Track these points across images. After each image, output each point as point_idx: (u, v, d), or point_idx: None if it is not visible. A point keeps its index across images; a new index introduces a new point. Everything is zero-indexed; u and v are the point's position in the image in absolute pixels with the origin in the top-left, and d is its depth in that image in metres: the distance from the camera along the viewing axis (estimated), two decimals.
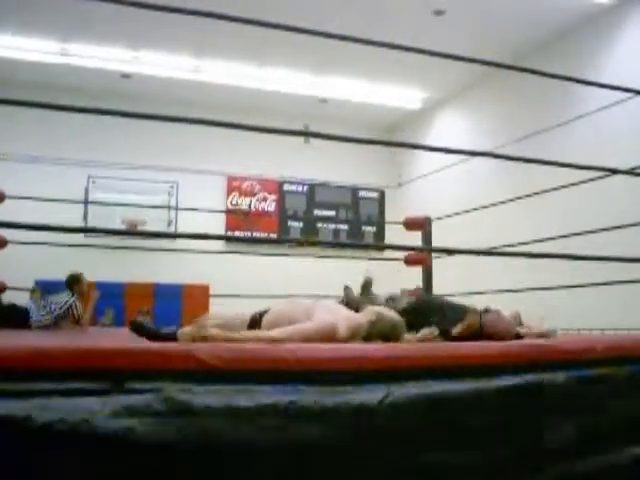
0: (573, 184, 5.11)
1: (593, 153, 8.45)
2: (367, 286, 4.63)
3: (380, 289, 7.31)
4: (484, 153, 9.76)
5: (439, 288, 6.41)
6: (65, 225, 2.81)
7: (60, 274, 10.35)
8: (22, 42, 10.58)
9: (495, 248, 6.03)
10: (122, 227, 11.39)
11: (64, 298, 5.91)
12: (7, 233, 5.65)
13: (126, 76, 11.87)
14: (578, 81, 4.67)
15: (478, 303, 4.32)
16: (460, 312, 4.17)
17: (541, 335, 4.42)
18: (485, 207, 6.32)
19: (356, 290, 4.24)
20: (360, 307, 3.36)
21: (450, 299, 4.70)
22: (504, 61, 9.36)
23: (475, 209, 6.52)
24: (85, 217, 11.82)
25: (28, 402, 1.73)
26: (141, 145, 12.56)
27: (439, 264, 6.57)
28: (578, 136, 9.50)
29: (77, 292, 6.06)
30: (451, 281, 7.13)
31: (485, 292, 6.52)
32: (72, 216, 10.84)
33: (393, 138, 14.54)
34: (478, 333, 3.88)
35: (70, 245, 6.58)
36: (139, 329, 3.10)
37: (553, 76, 3.91)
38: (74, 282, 6.10)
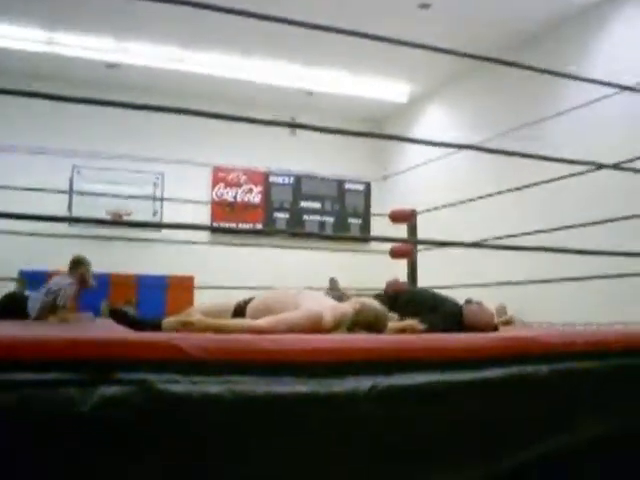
0: (562, 177, 5.14)
1: (580, 145, 8.48)
2: (334, 284, 4.68)
3: (367, 282, 7.34)
4: (469, 146, 9.76)
5: (425, 281, 6.43)
6: (47, 215, 2.79)
7: (44, 265, 10.32)
8: (7, 30, 10.49)
9: (485, 240, 6.05)
10: (107, 218, 11.34)
11: (62, 281, 5.63)
12: None
13: (112, 66, 11.80)
14: (563, 75, 4.68)
15: (464, 295, 4.35)
16: (442, 304, 4.21)
17: (505, 322, 4.45)
18: (472, 200, 6.34)
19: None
20: (344, 298, 3.37)
21: (434, 291, 4.73)
22: (491, 54, 9.39)
23: (462, 202, 6.54)
24: (70, 207, 11.75)
25: (10, 393, 1.72)
26: (127, 135, 12.50)
27: (425, 257, 6.59)
28: (565, 129, 9.55)
29: (77, 277, 5.71)
30: (437, 274, 7.16)
31: (471, 285, 6.55)
32: (56, 207, 10.77)
33: (380, 130, 14.55)
34: (457, 323, 3.92)
35: (54, 235, 6.54)
36: (121, 317, 3.09)
37: (538, 70, 3.92)
38: (74, 265, 5.76)
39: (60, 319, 5.20)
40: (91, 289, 5.92)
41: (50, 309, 5.40)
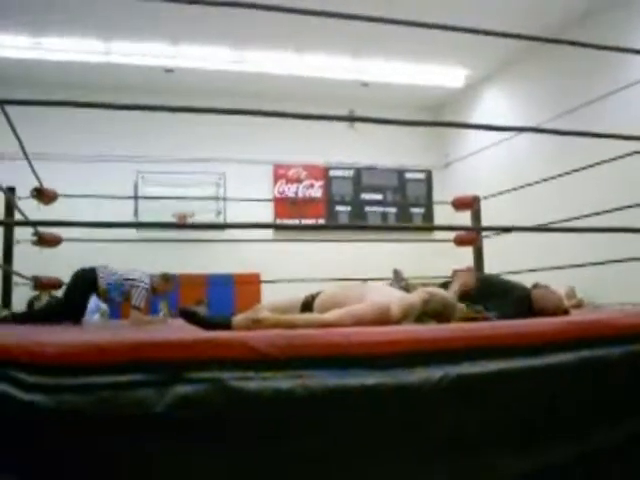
0: (626, 155, 5.00)
1: None
2: (398, 275, 4.67)
3: (432, 271, 7.28)
4: (530, 128, 9.66)
5: (491, 267, 6.35)
6: (116, 221, 2.87)
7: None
8: (67, 44, 10.76)
9: (549, 224, 5.94)
10: (172, 220, 11.53)
11: (141, 277, 5.58)
12: (61, 231, 5.77)
13: (169, 70, 11.98)
14: (624, 50, 4.55)
15: (532, 280, 4.29)
16: (511, 289, 4.15)
17: (575, 306, 4.33)
18: (537, 182, 6.21)
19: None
20: (410, 289, 3.36)
21: (502, 277, 4.67)
22: (546, 33, 9.19)
23: (524, 186, 6.42)
24: (136, 212, 12.00)
25: (88, 396, 1.77)
26: (188, 138, 12.68)
27: (489, 243, 6.51)
28: (628, 106, 9.28)
29: (157, 286, 5.74)
30: (503, 259, 7.06)
31: (537, 269, 6.44)
32: (123, 212, 11.02)
33: (438, 117, 14.40)
34: (527, 308, 3.86)
35: (123, 240, 6.68)
36: (192, 317, 3.14)
37: (597, 47, 3.83)
38: (164, 277, 5.78)
39: (134, 321, 5.29)
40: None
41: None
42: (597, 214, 5.28)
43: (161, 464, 1.80)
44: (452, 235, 6.31)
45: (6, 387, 1.73)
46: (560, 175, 5.99)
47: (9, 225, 5.49)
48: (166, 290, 5.89)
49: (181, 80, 12.23)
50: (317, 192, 13.91)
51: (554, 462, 2.18)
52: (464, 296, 3.72)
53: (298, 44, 11.14)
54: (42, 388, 1.75)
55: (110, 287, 5.42)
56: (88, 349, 1.87)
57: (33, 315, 5.38)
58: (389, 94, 13.33)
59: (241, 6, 2.91)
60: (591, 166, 5.60)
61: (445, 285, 4.15)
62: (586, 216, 5.25)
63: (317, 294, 3.24)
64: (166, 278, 5.80)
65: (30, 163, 5.01)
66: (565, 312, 3.89)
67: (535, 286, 4.09)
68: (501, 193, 6.51)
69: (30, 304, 10.40)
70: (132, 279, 5.45)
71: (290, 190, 13.78)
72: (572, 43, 3.88)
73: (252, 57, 11.65)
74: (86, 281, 5.42)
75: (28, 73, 11.42)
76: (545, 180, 6.21)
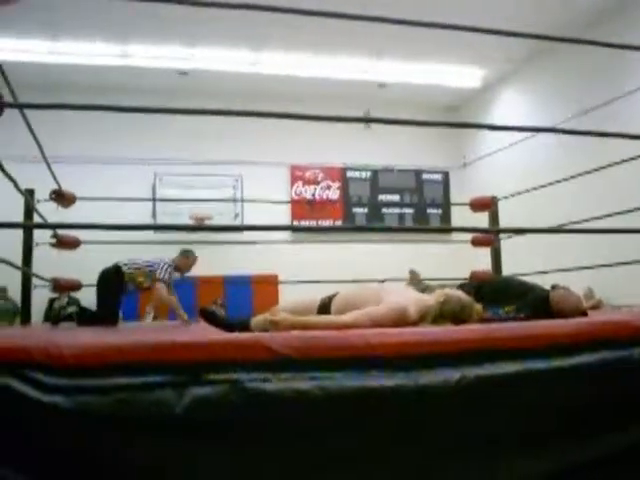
0: None
1: None
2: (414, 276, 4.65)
3: (449, 272, 7.26)
4: (547, 129, 9.61)
5: (509, 268, 6.32)
6: (134, 223, 2.88)
7: None
8: (83, 47, 10.85)
9: (566, 225, 5.90)
10: (190, 222, 11.59)
11: (162, 258, 5.77)
12: (80, 233, 5.81)
13: (183, 73, 12.03)
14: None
15: (550, 281, 4.26)
16: (529, 291, 4.13)
17: (593, 307, 4.29)
18: (558, 181, 6.16)
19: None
20: (426, 290, 3.35)
21: (520, 278, 4.64)
22: (563, 33, 9.14)
23: (542, 186, 6.38)
24: (154, 214, 12.07)
25: (107, 397, 1.78)
26: (204, 140, 12.72)
27: (507, 244, 6.48)
28: None
29: (179, 263, 5.88)
30: (521, 260, 7.03)
31: (556, 270, 6.40)
32: (141, 213, 11.09)
33: (455, 118, 14.35)
34: (545, 310, 3.83)
35: (142, 242, 6.71)
36: (211, 318, 3.15)
37: (615, 46, 3.80)
38: (183, 253, 5.95)
39: (158, 299, 5.47)
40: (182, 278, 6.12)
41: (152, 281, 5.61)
42: (610, 215, 5.22)
43: (180, 465, 1.80)
44: (470, 236, 6.28)
45: (26, 388, 1.75)
46: (579, 174, 5.94)
47: (28, 228, 5.53)
48: (189, 266, 6.01)
49: (196, 82, 12.28)
50: (334, 194, 13.91)
51: (574, 464, 2.16)
52: (482, 297, 3.71)
53: (314, 45, 11.15)
54: (61, 389, 1.76)
55: (133, 274, 5.55)
56: (107, 350, 1.88)
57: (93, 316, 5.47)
58: (406, 95, 13.32)
59: (258, 9, 2.92)
60: (610, 166, 5.55)
61: (462, 286, 4.14)
62: (604, 216, 5.21)
63: (334, 295, 3.24)
64: (186, 254, 5.91)
65: (49, 166, 5.04)
66: (584, 313, 3.86)
67: (554, 287, 4.06)
68: (519, 194, 6.47)
69: (50, 304, 10.50)
70: (153, 262, 5.59)
71: (307, 192, 13.79)
72: (590, 42, 3.85)
73: (267, 59, 11.69)
74: (112, 279, 5.54)
75: (46, 77, 11.52)
76: (563, 180, 6.17)
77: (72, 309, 5.64)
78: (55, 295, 9.54)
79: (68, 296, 9.50)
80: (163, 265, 5.63)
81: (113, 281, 5.57)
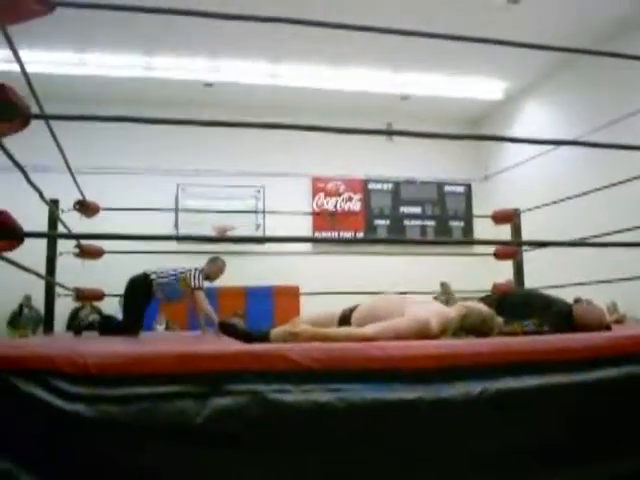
0: None
1: None
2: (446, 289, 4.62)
3: (472, 284, 7.21)
4: (569, 142, 9.54)
5: (533, 281, 6.28)
6: (157, 234, 2.91)
7: None
8: (109, 59, 10.99)
9: (590, 238, 5.85)
10: (212, 232, 11.64)
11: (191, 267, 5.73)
12: (103, 243, 5.86)
13: (208, 85, 12.12)
14: None
15: (572, 294, 4.22)
16: (552, 304, 4.09)
17: (616, 321, 4.21)
18: (577, 196, 6.13)
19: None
20: (450, 302, 3.33)
21: (542, 291, 4.61)
22: (584, 45, 9.10)
23: (564, 199, 6.34)
24: (176, 224, 12.14)
25: (129, 407, 1.79)
26: (227, 151, 12.81)
27: (530, 257, 6.43)
28: None
29: (209, 271, 5.87)
30: (544, 273, 6.97)
31: (579, 283, 6.34)
32: (164, 224, 11.15)
33: (477, 130, 14.32)
34: (568, 324, 3.80)
35: (163, 252, 6.75)
36: (231, 331, 3.16)
37: (634, 58, 3.77)
38: (211, 260, 5.95)
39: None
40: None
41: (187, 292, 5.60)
42: (631, 229, 5.17)
43: (199, 475, 1.81)
44: (492, 249, 6.25)
45: (49, 396, 1.76)
46: (602, 187, 5.90)
47: (53, 237, 5.58)
48: (217, 273, 6.00)
49: (221, 94, 12.37)
50: (356, 205, 13.92)
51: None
52: (503, 310, 3.68)
53: (337, 58, 11.20)
54: (84, 398, 1.78)
55: (163, 283, 5.53)
56: (129, 360, 1.89)
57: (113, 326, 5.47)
58: (428, 107, 13.31)
59: (281, 21, 2.94)
60: (633, 179, 5.50)
61: (485, 299, 4.11)
62: (626, 230, 5.16)
63: (355, 307, 3.24)
64: (214, 261, 5.91)
65: (73, 176, 5.09)
66: (607, 327, 3.82)
67: (577, 301, 4.02)
68: (541, 206, 6.43)
69: (74, 314, 10.58)
70: (183, 270, 5.58)
71: (329, 203, 13.81)
72: (612, 55, 3.84)
73: (290, 71, 11.75)
74: (141, 288, 5.54)
75: (72, 88, 11.67)
76: (585, 194, 6.12)
77: (93, 317, 5.66)
78: (78, 304, 9.60)
79: (91, 305, 9.57)
80: (194, 272, 5.62)
81: (141, 290, 5.56)
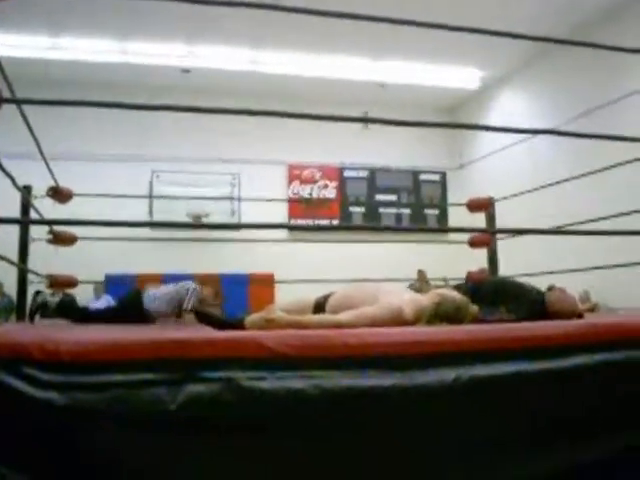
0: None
1: None
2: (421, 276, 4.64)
3: (446, 272, 7.25)
4: (545, 131, 9.55)
5: (506, 269, 6.33)
6: (131, 220, 2.89)
7: (129, 268, 10.59)
8: (83, 43, 10.84)
9: (564, 226, 5.90)
10: (187, 219, 11.58)
11: (188, 285, 5.58)
12: (76, 230, 5.80)
13: (186, 71, 12.02)
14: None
15: (546, 282, 4.26)
16: (525, 292, 4.13)
17: (589, 310, 4.26)
18: (551, 185, 6.17)
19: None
20: (423, 289, 3.35)
21: (515, 279, 4.65)
22: (564, 33, 9.14)
23: (538, 188, 6.39)
24: (150, 211, 12.05)
25: (102, 394, 1.78)
26: (203, 138, 12.71)
27: (504, 245, 6.48)
28: None
29: (205, 297, 5.67)
30: (518, 261, 7.03)
31: (552, 272, 6.40)
32: (138, 211, 11.06)
33: (453, 119, 14.37)
34: (541, 311, 3.83)
35: (137, 239, 6.71)
36: (205, 318, 3.16)
37: (613, 48, 3.80)
38: (212, 291, 5.78)
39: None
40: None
41: (177, 313, 5.47)
42: (607, 218, 5.21)
43: (174, 462, 1.80)
44: (467, 237, 6.28)
45: (20, 384, 1.75)
46: (577, 177, 5.95)
47: (25, 223, 5.52)
48: (213, 304, 5.78)
49: (198, 80, 12.26)
50: (331, 193, 13.92)
51: (567, 466, 2.17)
52: (477, 298, 3.71)
53: (314, 45, 11.15)
54: (56, 386, 1.76)
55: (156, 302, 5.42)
56: (102, 347, 1.88)
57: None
58: (405, 95, 13.32)
59: (259, 7, 2.92)
60: (606, 169, 5.54)
61: (459, 287, 4.14)
62: (601, 219, 5.21)
63: (329, 295, 3.25)
64: (216, 292, 5.79)
65: (46, 162, 5.03)
66: (580, 316, 3.86)
67: (550, 289, 4.06)
68: (516, 195, 6.47)
69: (34, 297, 10.43)
70: (181, 288, 5.47)
71: (305, 191, 13.79)
72: (588, 44, 3.85)
73: (268, 58, 11.68)
74: (132, 307, 5.43)
75: (45, 72, 11.51)
76: (559, 182, 6.17)
77: (42, 298, 5.52)
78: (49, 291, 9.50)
79: (63, 293, 9.47)
80: (190, 293, 5.46)
81: (131, 313, 5.42)
